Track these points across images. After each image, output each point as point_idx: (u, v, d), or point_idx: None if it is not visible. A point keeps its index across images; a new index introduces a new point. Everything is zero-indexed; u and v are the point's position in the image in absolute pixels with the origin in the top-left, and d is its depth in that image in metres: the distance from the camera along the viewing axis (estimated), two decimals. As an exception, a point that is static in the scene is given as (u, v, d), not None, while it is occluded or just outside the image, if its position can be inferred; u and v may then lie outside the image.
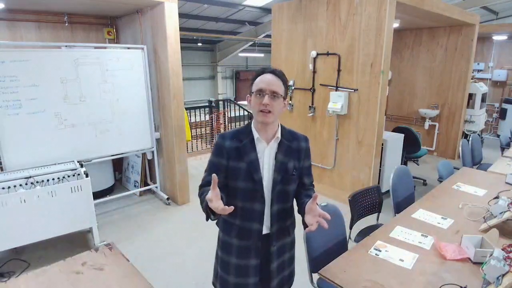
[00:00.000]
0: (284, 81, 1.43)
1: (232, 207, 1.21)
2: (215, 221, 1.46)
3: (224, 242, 1.57)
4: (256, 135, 1.45)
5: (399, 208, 2.61)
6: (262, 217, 1.48)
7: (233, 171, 1.45)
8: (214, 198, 1.23)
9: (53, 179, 3.06)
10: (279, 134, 1.47)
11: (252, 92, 1.41)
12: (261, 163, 1.45)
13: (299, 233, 1.69)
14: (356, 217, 2.47)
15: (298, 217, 1.57)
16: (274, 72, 1.42)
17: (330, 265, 1.68)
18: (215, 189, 1.23)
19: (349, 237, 2.39)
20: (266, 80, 1.39)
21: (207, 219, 1.36)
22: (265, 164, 1.46)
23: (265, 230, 1.51)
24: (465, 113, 6.08)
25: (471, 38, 5.69)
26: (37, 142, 3.29)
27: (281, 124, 1.51)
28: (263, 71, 1.43)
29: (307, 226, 1.33)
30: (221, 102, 7.40)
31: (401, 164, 4.50)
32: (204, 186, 1.46)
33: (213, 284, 1.70)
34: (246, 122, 8.11)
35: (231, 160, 1.44)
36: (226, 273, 1.57)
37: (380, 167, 4.12)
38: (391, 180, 2.74)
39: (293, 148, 1.50)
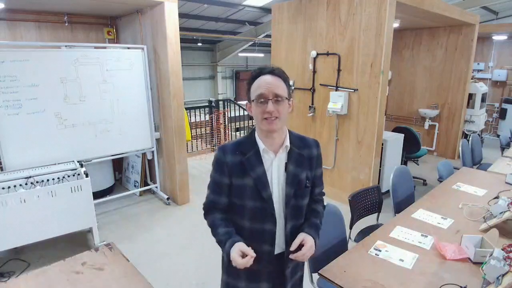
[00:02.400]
0: (286, 79, 1.25)
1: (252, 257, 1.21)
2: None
3: (231, 265, 1.34)
4: (261, 146, 1.27)
5: (399, 208, 2.61)
6: (274, 238, 1.32)
7: (238, 189, 1.29)
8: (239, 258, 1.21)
9: (53, 179, 3.06)
10: (287, 142, 1.29)
11: (252, 100, 1.23)
12: (269, 177, 1.28)
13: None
14: (356, 217, 2.47)
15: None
16: (273, 71, 1.22)
17: (330, 265, 1.67)
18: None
19: (349, 237, 2.39)
20: (265, 84, 1.20)
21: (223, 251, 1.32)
22: (274, 179, 1.29)
23: (277, 250, 1.35)
24: (465, 113, 6.08)
25: (471, 38, 5.69)
26: (37, 142, 3.29)
27: (288, 129, 1.34)
28: (260, 72, 1.23)
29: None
30: (221, 102, 7.40)
31: (401, 164, 4.50)
32: (210, 207, 1.37)
33: None
34: (246, 122, 8.15)
35: (234, 177, 1.28)
36: None
37: (380, 167, 4.12)
38: (391, 180, 2.74)
39: (304, 156, 1.33)
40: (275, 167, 1.29)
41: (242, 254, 1.21)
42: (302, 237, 1.28)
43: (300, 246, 1.27)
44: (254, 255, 1.21)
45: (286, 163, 1.30)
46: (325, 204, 2.03)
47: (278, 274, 1.37)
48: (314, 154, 1.37)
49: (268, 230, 1.30)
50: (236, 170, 1.28)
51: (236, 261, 1.20)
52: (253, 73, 1.25)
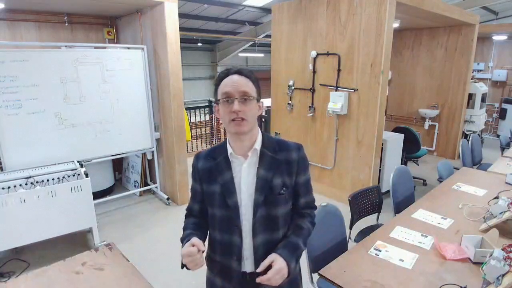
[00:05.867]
0: (254, 80, 1.16)
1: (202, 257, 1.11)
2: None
3: (208, 280, 1.33)
4: (229, 150, 1.19)
5: (399, 208, 2.61)
6: (240, 253, 1.19)
7: (208, 196, 1.22)
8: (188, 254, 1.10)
9: (53, 179, 3.06)
10: (258, 145, 1.19)
11: (219, 100, 1.15)
12: (237, 183, 1.18)
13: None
14: (356, 217, 2.47)
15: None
16: (240, 71, 1.15)
17: (330, 265, 1.67)
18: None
19: (349, 237, 2.39)
20: (231, 82, 1.12)
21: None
22: (243, 185, 1.17)
23: (249, 268, 1.21)
24: (465, 113, 6.08)
25: (471, 38, 5.69)
26: (37, 142, 3.29)
27: (263, 133, 1.24)
28: (227, 72, 1.16)
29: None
30: (221, 102, 7.39)
31: (401, 164, 4.50)
32: (187, 214, 1.35)
33: None
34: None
35: (205, 184, 1.23)
36: None
37: (380, 167, 4.12)
38: (391, 180, 2.74)
39: (279, 160, 1.19)
40: (245, 173, 1.18)
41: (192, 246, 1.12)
42: (272, 258, 1.13)
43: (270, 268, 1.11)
44: (203, 248, 1.12)
45: (257, 168, 1.18)
46: (325, 204, 2.05)
47: None
48: (293, 158, 1.21)
49: (235, 243, 1.19)
50: (206, 176, 1.23)
51: (182, 251, 1.12)
52: (220, 74, 1.17)
